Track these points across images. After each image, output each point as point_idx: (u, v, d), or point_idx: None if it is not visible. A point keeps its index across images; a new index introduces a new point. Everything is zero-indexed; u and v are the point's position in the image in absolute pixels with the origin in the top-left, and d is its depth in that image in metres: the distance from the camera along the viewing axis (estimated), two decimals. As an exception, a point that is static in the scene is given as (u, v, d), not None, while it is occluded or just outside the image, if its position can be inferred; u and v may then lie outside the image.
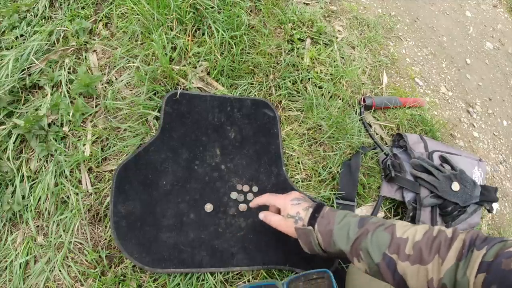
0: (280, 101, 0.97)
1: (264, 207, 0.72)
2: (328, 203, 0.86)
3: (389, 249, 0.50)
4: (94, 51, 0.90)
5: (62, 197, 0.74)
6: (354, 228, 0.55)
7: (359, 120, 1.01)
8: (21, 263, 0.69)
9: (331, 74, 1.05)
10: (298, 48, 1.05)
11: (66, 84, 0.83)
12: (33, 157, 0.77)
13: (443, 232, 0.49)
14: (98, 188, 0.75)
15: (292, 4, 1.13)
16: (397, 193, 0.90)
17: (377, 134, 1.03)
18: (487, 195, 0.86)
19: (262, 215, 0.69)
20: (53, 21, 0.93)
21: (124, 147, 0.79)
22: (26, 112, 0.80)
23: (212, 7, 0.97)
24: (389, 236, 0.51)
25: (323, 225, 0.58)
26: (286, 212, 0.64)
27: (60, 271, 0.68)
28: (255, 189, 0.82)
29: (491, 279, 0.38)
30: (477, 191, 0.86)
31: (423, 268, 0.46)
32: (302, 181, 0.88)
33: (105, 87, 0.85)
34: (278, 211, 0.69)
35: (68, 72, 0.85)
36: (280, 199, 0.67)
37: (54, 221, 0.72)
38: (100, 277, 0.68)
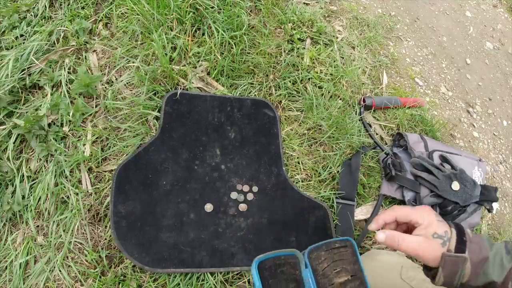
0: (280, 101, 0.97)
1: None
2: (328, 203, 0.87)
3: None
4: (94, 51, 0.90)
5: (62, 197, 0.74)
6: (506, 256, 0.47)
7: (359, 120, 1.01)
8: (21, 263, 0.69)
9: (331, 74, 1.05)
10: (298, 48, 1.05)
11: (66, 84, 0.83)
12: (33, 157, 0.77)
13: None
14: (98, 188, 0.75)
15: (292, 4, 1.13)
16: (397, 192, 0.90)
17: (377, 134, 1.03)
18: (487, 195, 0.86)
19: (382, 236, 0.50)
20: (53, 21, 0.93)
21: (124, 147, 0.79)
22: (26, 112, 0.80)
23: (212, 7, 0.97)
24: None
25: (475, 252, 0.47)
26: (433, 230, 0.49)
27: (60, 271, 0.68)
28: (255, 189, 0.82)
29: None
30: (477, 191, 0.86)
31: None
32: (302, 181, 0.88)
33: (105, 87, 0.85)
34: (405, 230, 0.54)
35: (68, 72, 0.85)
36: (421, 212, 0.51)
37: (54, 221, 0.72)
38: (100, 277, 0.68)
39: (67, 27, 0.90)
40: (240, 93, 0.94)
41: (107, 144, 0.80)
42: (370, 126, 1.04)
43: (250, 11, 1.07)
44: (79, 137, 0.79)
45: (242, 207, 0.80)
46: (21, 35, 0.91)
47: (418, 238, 0.49)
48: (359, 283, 0.52)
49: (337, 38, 1.15)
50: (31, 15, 0.94)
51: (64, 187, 0.74)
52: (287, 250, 0.62)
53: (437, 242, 0.48)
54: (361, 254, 0.80)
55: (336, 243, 0.60)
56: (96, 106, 0.83)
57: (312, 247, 0.61)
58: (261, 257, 0.61)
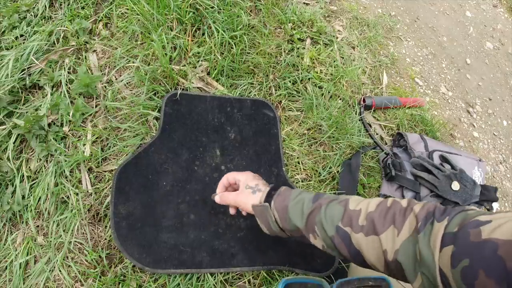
0: (280, 101, 0.97)
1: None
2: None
3: (342, 221, 0.48)
4: (94, 51, 0.90)
5: (62, 197, 0.74)
6: (308, 203, 0.54)
7: (359, 120, 1.01)
8: (21, 263, 0.69)
9: (331, 74, 1.05)
10: (298, 48, 1.05)
11: (66, 84, 0.83)
12: (33, 157, 0.77)
13: (398, 203, 0.47)
14: (98, 188, 0.75)
15: (292, 4, 1.13)
16: (397, 192, 0.90)
17: (377, 134, 1.03)
18: (487, 195, 0.87)
19: (217, 198, 0.66)
20: (53, 21, 0.93)
21: (124, 147, 0.79)
22: (26, 112, 0.80)
23: (212, 7, 0.97)
24: (342, 208, 0.50)
25: (279, 201, 0.56)
26: (246, 183, 0.62)
27: (60, 271, 0.68)
28: (255, 189, 0.82)
29: (461, 252, 0.35)
30: (477, 191, 0.86)
31: (377, 239, 0.44)
32: (302, 181, 0.88)
33: (105, 87, 0.85)
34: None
35: (68, 72, 0.85)
36: (242, 174, 0.66)
37: (54, 221, 0.72)
38: (100, 277, 0.68)
39: (67, 27, 0.90)
40: (240, 93, 0.94)
41: (107, 144, 0.80)
42: (370, 126, 1.04)
43: (250, 11, 1.07)
44: (79, 137, 0.79)
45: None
46: (21, 35, 0.91)
47: (235, 192, 0.64)
48: None
49: (337, 38, 1.15)
50: (31, 15, 0.94)
51: (64, 187, 0.74)
52: (315, 278, 0.61)
53: (248, 191, 0.61)
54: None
55: (370, 281, 0.59)
56: (96, 106, 0.83)
57: (342, 280, 0.59)
58: (289, 279, 0.60)
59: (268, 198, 0.58)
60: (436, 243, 0.38)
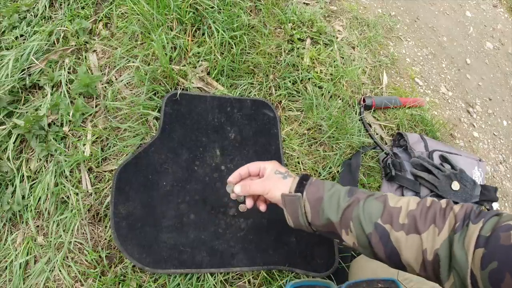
0: (280, 101, 0.97)
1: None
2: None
3: (382, 218, 0.46)
4: (94, 51, 0.90)
5: (62, 197, 0.74)
6: (344, 197, 0.51)
7: (359, 120, 1.01)
8: (21, 263, 0.69)
9: (331, 74, 1.05)
10: (298, 48, 1.05)
11: (66, 84, 0.83)
12: (33, 157, 0.77)
13: (437, 202, 0.46)
14: (98, 188, 0.75)
15: (292, 4, 1.13)
16: (397, 192, 0.90)
17: (377, 134, 1.03)
18: (487, 195, 0.86)
19: (238, 188, 0.61)
20: (53, 21, 0.93)
21: (124, 147, 0.79)
22: (26, 112, 0.80)
23: (212, 7, 0.97)
24: (381, 205, 0.48)
25: (312, 192, 0.53)
26: (275, 169, 0.59)
27: (60, 271, 0.68)
28: (255, 189, 0.82)
29: (490, 255, 0.36)
30: (477, 191, 0.86)
31: (418, 238, 0.43)
32: (302, 181, 0.88)
33: (105, 87, 0.85)
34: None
35: (68, 72, 0.85)
36: (269, 162, 0.61)
37: (54, 221, 0.72)
38: (100, 277, 0.68)
39: (67, 27, 0.90)
40: (240, 93, 0.94)
41: (107, 144, 0.80)
42: (370, 126, 1.04)
43: (250, 11, 1.07)
44: (79, 137, 0.79)
45: (242, 207, 0.79)
46: (21, 35, 0.91)
47: (262, 178, 0.59)
48: None
49: (337, 38, 1.15)
50: (31, 15, 0.94)
51: (64, 187, 0.74)
52: (323, 280, 0.59)
53: (278, 176, 0.57)
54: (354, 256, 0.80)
55: (379, 283, 0.57)
56: (96, 106, 0.83)
57: (351, 282, 0.57)
58: (297, 283, 0.58)
59: (299, 187, 0.54)
60: (470, 245, 0.38)
